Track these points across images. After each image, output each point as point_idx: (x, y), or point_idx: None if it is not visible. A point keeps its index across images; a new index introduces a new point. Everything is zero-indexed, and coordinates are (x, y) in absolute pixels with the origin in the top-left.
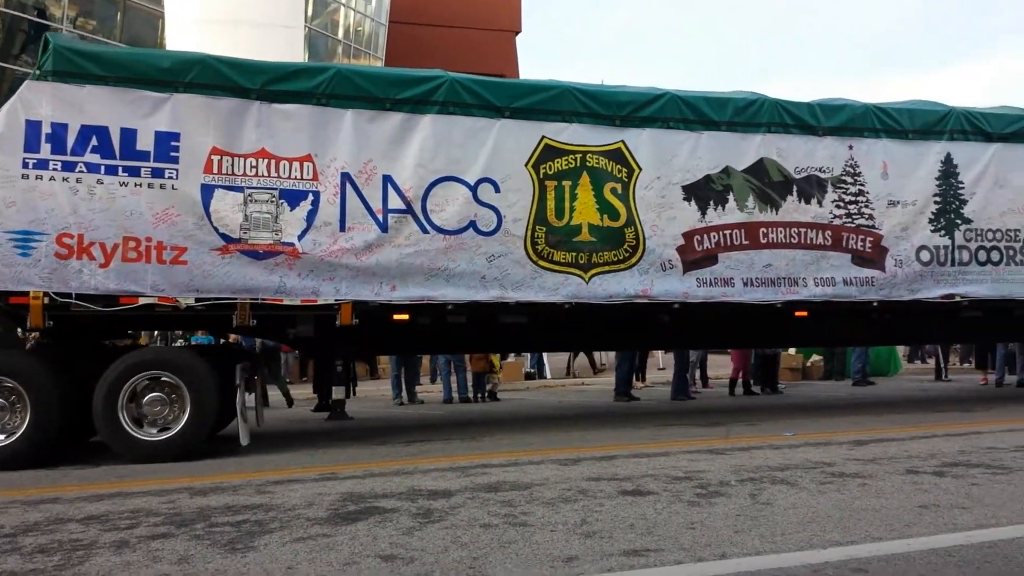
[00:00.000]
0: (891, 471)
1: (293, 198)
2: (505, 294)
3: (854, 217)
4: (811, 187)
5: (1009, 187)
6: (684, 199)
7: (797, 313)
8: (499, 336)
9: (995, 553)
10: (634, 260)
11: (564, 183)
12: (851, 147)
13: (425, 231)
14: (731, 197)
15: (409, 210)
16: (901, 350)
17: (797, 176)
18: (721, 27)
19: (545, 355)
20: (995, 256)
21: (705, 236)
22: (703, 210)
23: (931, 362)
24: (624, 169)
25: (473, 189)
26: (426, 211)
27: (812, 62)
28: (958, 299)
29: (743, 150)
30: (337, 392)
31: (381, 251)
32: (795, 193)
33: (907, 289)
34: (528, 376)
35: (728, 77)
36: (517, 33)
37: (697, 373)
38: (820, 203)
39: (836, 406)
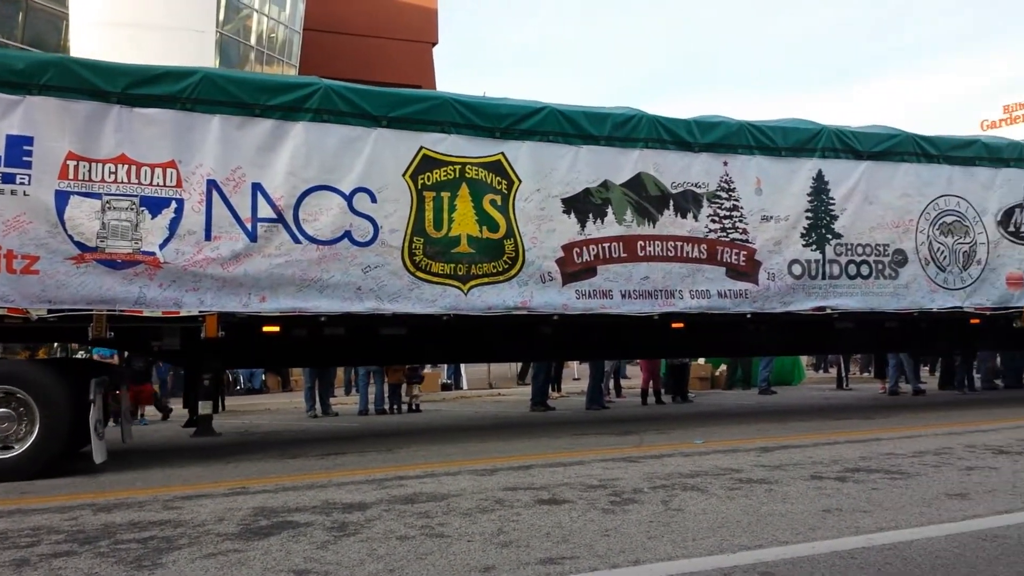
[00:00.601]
0: (796, 477)
1: (155, 206)
2: (381, 306)
3: (729, 231)
4: (687, 202)
5: (878, 203)
6: (564, 212)
7: (674, 325)
8: (379, 348)
9: (895, 555)
10: (513, 272)
11: (443, 194)
12: (726, 163)
13: (297, 241)
14: (610, 210)
15: (280, 219)
16: (805, 360)
17: (674, 191)
18: (636, 43)
19: (463, 366)
20: (864, 270)
21: (584, 249)
22: (582, 223)
23: (833, 371)
24: (504, 181)
25: (348, 199)
26: (298, 220)
27: (723, 78)
28: (829, 311)
29: (621, 164)
30: (204, 407)
31: (250, 261)
32: (672, 207)
33: (780, 302)
34: (445, 387)
35: (637, 91)
36: (434, 44)
37: (611, 383)
38: (696, 217)
39: (743, 414)
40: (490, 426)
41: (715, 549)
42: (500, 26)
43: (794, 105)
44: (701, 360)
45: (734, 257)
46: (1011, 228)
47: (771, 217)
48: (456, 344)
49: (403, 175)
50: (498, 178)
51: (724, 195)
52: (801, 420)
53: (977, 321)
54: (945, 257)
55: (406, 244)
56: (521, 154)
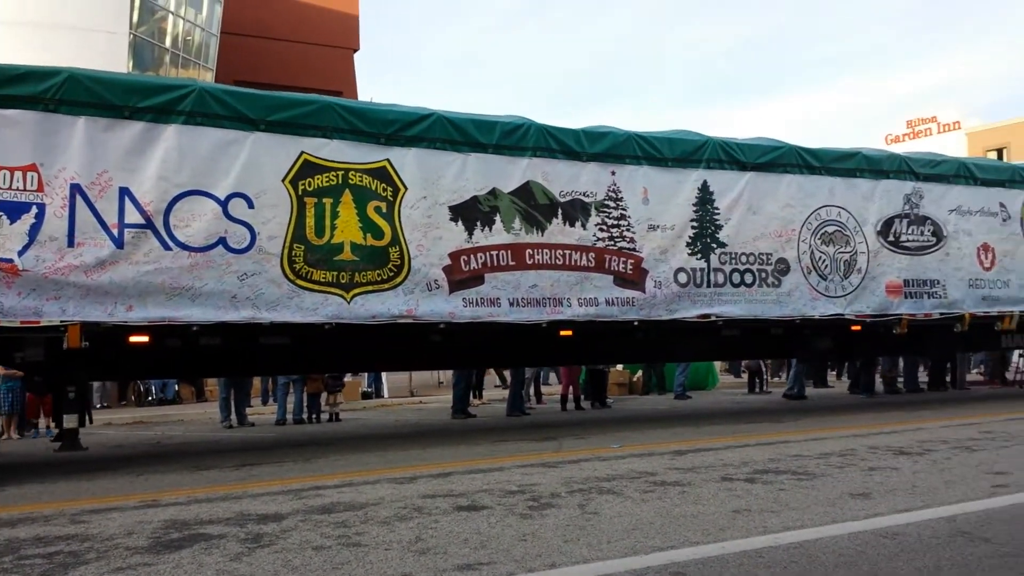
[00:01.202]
0: (708, 479)
1: (13, 210)
2: (259, 315)
3: (616, 240)
4: (575, 210)
5: (762, 213)
6: (451, 219)
7: (562, 332)
8: (261, 358)
9: (801, 553)
10: (399, 280)
11: (325, 200)
12: (614, 173)
13: (167, 248)
14: (498, 218)
15: (149, 225)
16: (719, 365)
17: (562, 200)
18: (565, 53)
19: (384, 374)
20: (748, 278)
21: (472, 256)
22: (470, 231)
23: (745, 377)
24: (389, 188)
25: (223, 204)
26: (169, 226)
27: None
28: (714, 319)
29: (510, 173)
30: (69, 420)
31: (116, 268)
32: (560, 216)
33: (666, 309)
34: (366, 395)
35: (561, 103)
36: (355, 51)
37: (531, 389)
38: (584, 226)
39: (659, 419)
40: (411, 434)
41: (629, 551)
42: (427, 34)
43: (712, 118)
44: (619, 367)
45: (622, 265)
46: (891, 238)
47: (658, 226)
48: (343, 353)
49: (283, 180)
50: (383, 185)
51: (612, 204)
52: (714, 424)
53: (858, 328)
54: (827, 266)
55: (286, 251)
56: (407, 161)
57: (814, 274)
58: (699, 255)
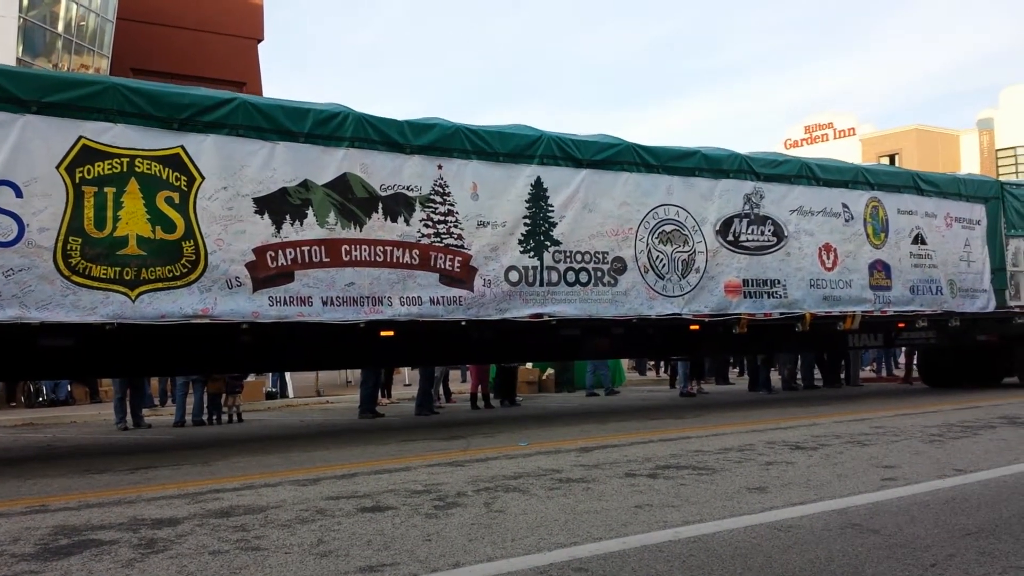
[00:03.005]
0: (612, 475)
1: None
2: (27, 314)
3: (443, 237)
4: (398, 205)
5: (598, 211)
6: (256, 212)
7: (383, 333)
8: (38, 361)
9: (699, 547)
10: (194, 277)
11: (107, 190)
12: (440, 166)
13: None
14: (310, 212)
15: None
16: (626, 363)
17: (383, 193)
18: (473, 53)
19: (288, 374)
20: (583, 277)
21: (280, 252)
22: (278, 225)
23: (651, 374)
24: (183, 177)
25: None
26: None
27: (554, 93)
28: (547, 318)
29: (325, 164)
30: None
31: None
32: (381, 211)
33: (496, 308)
34: (270, 396)
35: (472, 102)
36: (259, 41)
37: (441, 388)
38: (407, 221)
39: (567, 416)
40: (316, 435)
41: (533, 548)
42: (336, 27)
43: (611, 122)
44: (529, 364)
45: (448, 263)
46: (730, 237)
47: (488, 223)
48: (136, 355)
49: (57, 167)
50: (176, 173)
51: (439, 199)
52: (620, 421)
53: (697, 327)
54: (664, 265)
55: (59, 245)
56: (205, 148)
57: (651, 273)
58: (532, 253)
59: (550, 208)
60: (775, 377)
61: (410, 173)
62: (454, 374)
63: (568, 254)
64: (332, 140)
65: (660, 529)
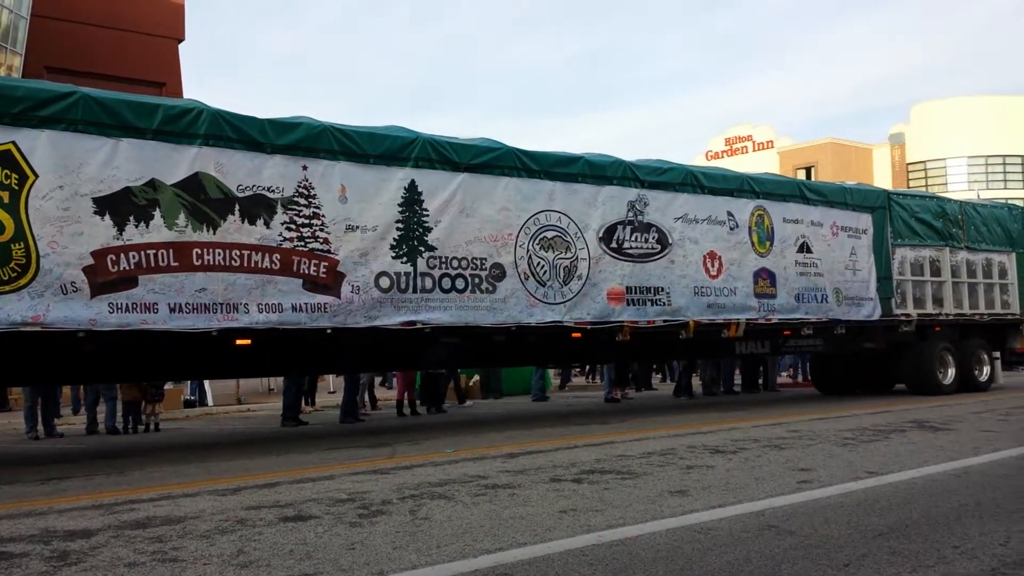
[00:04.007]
0: (537, 480)
1: None
2: None
3: (307, 241)
4: (257, 207)
5: (476, 216)
6: (96, 213)
7: (239, 341)
8: None
9: (622, 550)
10: (24, 282)
11: None
12: (305, 167)
13: None
14: (158, 213)
15: None
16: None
17: (240, 195)
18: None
19: (207, 381)
20: (460, 284)
21: (122, 256)
22: (121, 227)
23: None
24: (14, 175)
25: None
26: None
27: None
28: (420, 326)
29: (175, 162)
30: None
31: None
32: (238, 212)
33: (364, 316)
34: (188, 404)
35: (398, 109)
36: (180, 41)
37: (366, 395)
38: (268, 224)
39: (494, 422)
40: (236, 443)
41: (458, 555)
42: (260, 29)
43: (538, 131)
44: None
45: (313, 268)
46: (613, 244)
47: (357, 227)
48: None
49: None
50: (6, 171)
51: (303, 201)
52: (546, 426)
53: (579, 335)
54: (545, 272)
55: None
56: (40, 144)
57: (532, 280)
58: (405, 259)
59: (425, 212)
60: (696, 383)
61: (271, 174)
62: (379, 381)
63: (444, 260)
64: (184, 137)
65: (584, 533)
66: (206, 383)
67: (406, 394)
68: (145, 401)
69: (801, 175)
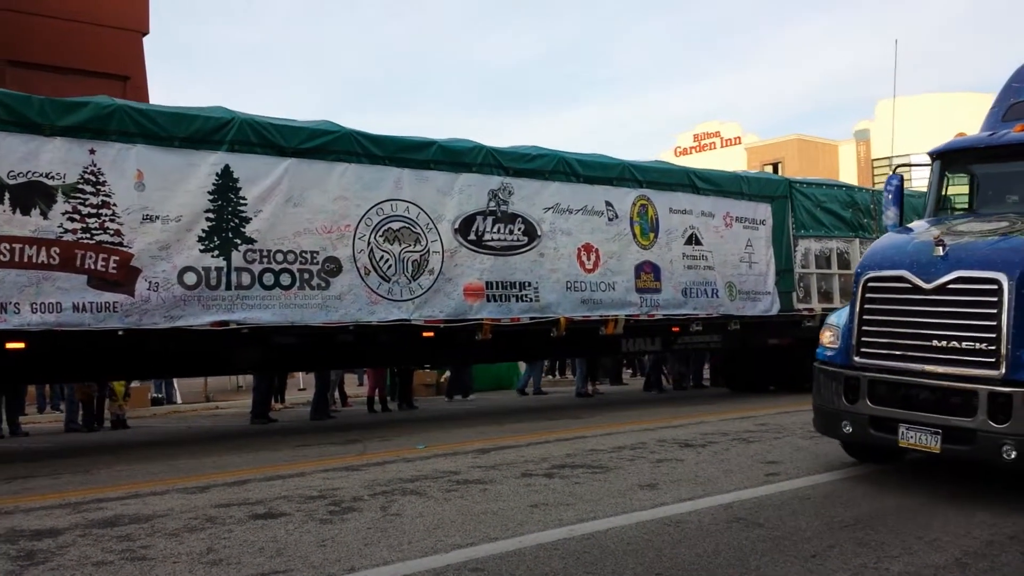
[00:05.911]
0: (509, 476)
1: None
2: None
3: (94, 233)
4: (32, 195)
5: (306, 206)
6: None
7: (9, 345)
8: None
9: (593, 543)
10: None
11: None
12: (93, 151)
13: None
14: None
15: None
16: (523, 364)
17: (12, 182)
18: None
19: (175, 379)
20: (285, 279)
21: None
22: None
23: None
24: None
25: None
26: None
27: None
28: (233, 327)
29: None
30: None
31: None
32: (8, 202)
33: (164, 315)
34: (155, 402)
35: (361, 104)
36: (144, 34)
37: (337, 392)
38: (45, 215)
39: (466, 418)
40: (205, 441)
41: (430, 550)
42: (228, 24)
43: (501, 126)
44: (427, 367)
45: (101, 263)
46: (471, 236)
47: (157, 217)
48: None
49: None
50: None
51: (90, 189)
52: (518, 422)
53: (431, 334)
54: (391, 266)
55: None
56: None
57: (374, 275)
58: (216, 252)
59: (242, 201)
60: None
61: (51, 158)
62: (350, 378)
63: (265, 253)
64: None
65: (555, 527)
66: (174, 380)
67: (377, 390)
68: (99, 398)
69: (768, 171)
